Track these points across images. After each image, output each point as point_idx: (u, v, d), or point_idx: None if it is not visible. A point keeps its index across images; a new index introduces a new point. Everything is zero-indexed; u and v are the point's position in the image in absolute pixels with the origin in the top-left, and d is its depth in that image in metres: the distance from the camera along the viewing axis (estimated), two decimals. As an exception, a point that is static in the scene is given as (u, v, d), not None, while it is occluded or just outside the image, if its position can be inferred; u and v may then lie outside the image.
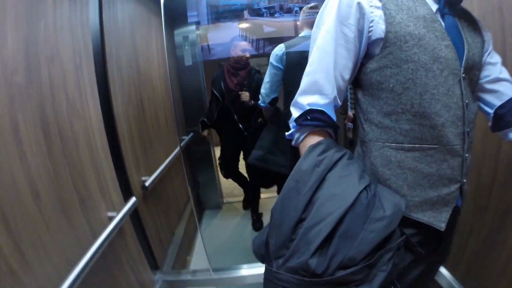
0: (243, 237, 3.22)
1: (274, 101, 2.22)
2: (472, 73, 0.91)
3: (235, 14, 2.87)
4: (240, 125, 2.97)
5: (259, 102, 2.26)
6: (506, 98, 1.00)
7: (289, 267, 0.77)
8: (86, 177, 1.26)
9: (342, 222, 0.75)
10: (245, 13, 2.86)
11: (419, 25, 0.82)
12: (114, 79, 1.69)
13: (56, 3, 1.20)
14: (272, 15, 2.77)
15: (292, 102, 0.94)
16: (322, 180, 0.80)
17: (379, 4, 0.84)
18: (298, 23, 2.36)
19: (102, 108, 1.50)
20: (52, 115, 1.09)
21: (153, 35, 2.63)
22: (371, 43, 0.87)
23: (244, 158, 3.25)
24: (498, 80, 1.01)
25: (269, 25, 2.63)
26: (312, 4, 2.27)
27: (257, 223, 3.36)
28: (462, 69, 0.86)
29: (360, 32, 0.86)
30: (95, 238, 1.21)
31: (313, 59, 0.90)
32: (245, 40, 2.84)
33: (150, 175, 1.98)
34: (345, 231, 0.75)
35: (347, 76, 0.89)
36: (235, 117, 2.94)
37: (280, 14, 2.78)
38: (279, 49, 2.13)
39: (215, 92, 2.94)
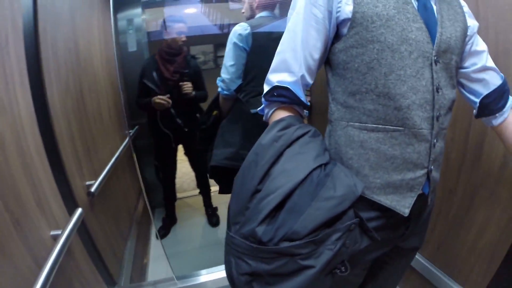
0: (202, 235, 2.99)
1: (239, 88, 1.90)
2: (447, 56, 0.89)
3: None
4: (178, 120, 2.67)
5: (220, 90, 1.90)
6: (492, 88, 1.02)
7: (242, 233, 0.81)
8: (18, 190, 0.96)
9: (290, 196, 0.78)
10: None
11: (388, 6, 0.82)
12: (49, 64, 1.36)
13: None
14: None
15: (265, 80, 0.95)
16: (279, 155, 0.83)
17: None
18: (253, 3, 2.09)
19: (34, 101, 1.19)
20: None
21: (94, 15, 2.27)
22: (340, 24, 0.87)
23: (187, 154, 3.00)
24: (484, 69, 1.02)
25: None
26: None
27: (213, 218, 3.15)
28: (434, 52, 0.85)
29: (329, 12, 0.86)
30: (40, 267, 0.93)
31: (284, 39, 0.92)
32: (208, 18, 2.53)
33: (95, 178, 1.67)
34: (292, 206, 0.78)
35: (316, 55, 0.90)
36: (172, 111, 2.61)
37: None
38: (243, 28, 1.82)
39: (148, 83, 2.58)
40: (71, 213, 1.27)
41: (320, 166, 0.82)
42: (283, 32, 1.61)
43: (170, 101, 2.52)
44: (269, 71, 0.94)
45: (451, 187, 1.61)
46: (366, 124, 0.87)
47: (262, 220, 0.78)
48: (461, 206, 1.56)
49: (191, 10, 5.36)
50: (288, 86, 0.89)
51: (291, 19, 0.91)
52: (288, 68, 0.90)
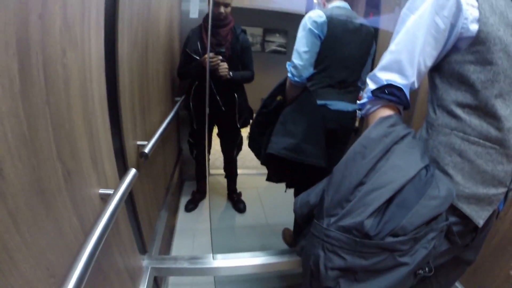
0: (231, 221, 2.85)
1: (311, 76, 1.73)
2: None
3: None
4: (218, 97, 2.44)
5: (291, 76, 1.71)
6: None
7: (341, 226, 0.81)
8: (74, 138, 0.81)
9: (400, 192, 0.79)
10: None
11: (507, 31, 0.82)
12: (124, 7, 1.20)
13: None
14: None
15: (369, 75, 0.97)
16: (387, 151, 0.84)
17: (476, 4, 0.83)
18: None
19: (105, 44, 1.03)
20: (36, 33, 0.62)
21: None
22: (460, 39, 0.87)
23: (220, 136, 2.79)
24: None
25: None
26: None
27: (239, 204, 2.98)
28: None
29: (452, 25, 0.87)
30: (86, 233, 0.80)
31: (400, 40, 0.91)
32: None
33: (146, 139, 1.52)
34: (402, 201, 0.79)
35: (429, 63, 0.91)
36: (212, 86, 2.38)
37: None
38: (318, 15, 1.66)
39: (190, 53, 2.37)
40: (121, 172, 1.12)
41: (425, 166, 0.85)
42: (359, 24, 1.59)
43: (226, 65, 2.32)
44: (377, 68, 0.95)
45: (501, 214, 1.59)
46: (469, 136, 0.89)
47: (371, 213, 0.78)
48: (506, 236, 1.56)
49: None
50: (402, 87, 0.90)
51: (411, 21, 0.90)
52: (401, 70, 0.90)
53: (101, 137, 0.99)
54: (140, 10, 1.47)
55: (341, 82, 1.77)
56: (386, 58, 0.93)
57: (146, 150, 1.38)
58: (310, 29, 1.66)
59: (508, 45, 0.82)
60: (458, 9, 0.84)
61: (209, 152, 2.81)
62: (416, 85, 0.93)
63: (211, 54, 2.25)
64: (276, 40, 6.12)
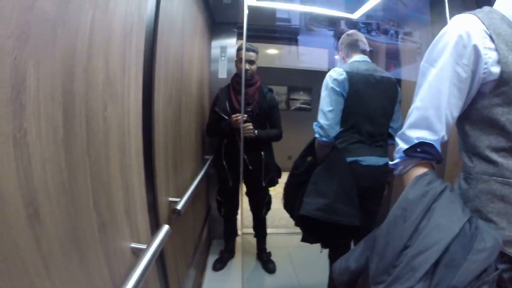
0: (260, 282, 2.70)
1: (338, 135, 1.72)
2: None
3: (331, 22, 2.50)
4: (245, 156, 2.41)
5: (318, 136, 1.72)
6: None
7: None
8: (111, 191, 0.81)
9: (447, 251, 0.77)
10: (342, 23, 2.49)
11: None
12: (160, 68, 1.27)
13: None
14: (369, 32, 2.39)
15: (398, 134, 0.97)
16: (427, 210, 0.83)
17: (493, 46, 0.83)
18: (342, 51, 1.94)
19: (143, 100, 1.07)
20: (81, 85, 0.65)
21: (197, 35, 2.24)
22: (484, 83, 0.87)
23: (249, 194, 2.74)
24: None
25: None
26: (352, 31, 1.94)
27: (269, 264, 2.83)
28: None
29: (473, 72, 0.86)
30: (116, 287, 0.77)
31: (425, 95, 0.91)
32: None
33: (177, 196, 1.51)
34: (449, 260, 0.76)
35: (456, 114, 0.91)
36: (239, 145, 2.35)
37: (377, 33, 2.40)
38: (338, 73, 1.70)
39: (219, 112, 2.40)
40: (153, 227, 1.10)
41: (468, 219, 0.83)
42: (380, 76, 1.59)
43: (251, 126, 2.34)
44: (405, 126, 0.95)
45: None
46: (509, 180, 0.86)
47: (420, 278, 0.76)
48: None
49: (271, 51, 5.43)
50: (433, 143, 0.90)
51: (432, 75, 0.90)
52: (430, 126, 0.90)
53: (136, 191, 0.99)
54: (174, 70, 1.55)
55: (369, 136, 1.75)
56: (413, 115, 0.93)
57: (179, 206, 1.37)
58: (332, 88, 1.68)
59: None
60: (477, 55, 0.84)
61: (237, 212, 2.77)
62: (446, 138, 0.92)
63: (236, 114, 2.31)
64: (301, 98, 6.28)
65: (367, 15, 2.42)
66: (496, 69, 0.83)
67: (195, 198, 2.21)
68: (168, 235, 1.07)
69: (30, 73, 0.49)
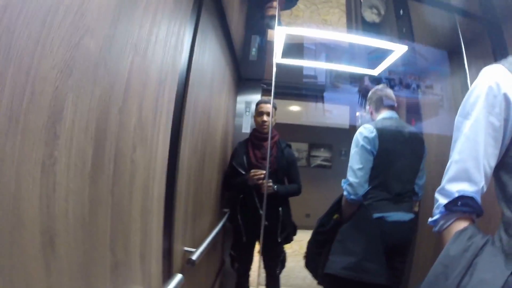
0: None
1: (367, 194, 1.71)
2: None
3: (355, 78, 2.58)
4: (261, 212, 2.31)
5: (347, 194, 1.71)
6: None
7: None
8: (129, 232, 0.80)
9: None
10: (366, 79, 2.57)
11: None
12: (189, 118, 1.32)
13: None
14: (392, 87, 2.44)
15: (438, 189, 0.95)
16: (469, 266, 0.81)
17: None
18: (371, 105, 1.98)
19: (170, 147, 1.10)
20: (114, 125, 0.68)
21: (224, 89, 2.33)
22: None
23: (263, 252, 2.59)
24: None
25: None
26: (382, 85, 2.01)
27: None
28: None
29: (506, 120, 0.87)
30: None
31: (462, 147, 0.92)
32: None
33: (193, 246, 1.48)
34: None
35: (493, 163, 0.90)
36: (256, 200, 2.33)
37: (399, 88, 2.45)
38: (369, 130, 1.72)
39: (236, 166, 2.39)
40: (164, 275, 1.07)
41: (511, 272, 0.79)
42: (408, 132, 1.69)
43: (271, 183, 2.32)
44: (445, 180, 0.94)
45: None
46: None
47: None
48: None
49: (294, 108, 5.56)
50: (473, 196, 0.88)
51: (467, 127, 0.91)
52: (470, 177, 0.89)
53: (153, 236, 0.98)
54: (202, 120, 1.60)
55: (397, 194, 1.73)
56: (452, 169, 0.92)
57: (194, 257, 1.34)
58: (362, 146, 1.69)
59: None
60: (508, 102, 0.86)
61: (250, 267, 2.66)
62: (485, 189, 0.91)
63: (254, 170, 2.30)
64: (321, 155, 6.26)
65: (389, 70, 2.48)
66: None
67: (210, 251, 2.15)
68: (180, 285, 1.03)
69: (68, 105, 0.52)
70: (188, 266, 1.35)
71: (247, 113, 3.20)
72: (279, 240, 2.48)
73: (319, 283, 1.81)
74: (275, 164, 2.41)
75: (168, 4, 1.01)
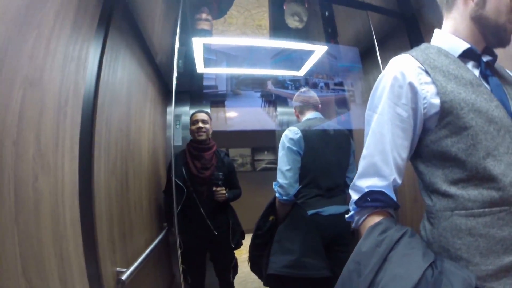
0: None
1: (299, 193, 1.86)
2: None
3: (258, 83, 2.72)
4: (209, 222, 2.47)
5: (279, 196, 1.85)
6: None
7: None
8: (42, 259, 0.86)
9: None
10: (269, 83, 2.72)
11: (467, 91, 0.86)
12: (101, 138, 1.38)
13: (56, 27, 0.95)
14: (297, 88, 2.63)
15: (351, 185, 0.98)
16: (383, 261, 0.80)
17: (429, 79, 0.88)
18: (296, 109, 2.17)
19: (79, 170, 1.16)
20: (10, 158, 0.75)
21: (147, 105, 2.40)
22: (427, 118, 0.90)
23: (213, 260, 2.72)
24: None
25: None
26: (304, 89, 2.20)
27: None
28: None
29: (414, 110, 0.90)
30: None
31: (370, 142, 0.94)
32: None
33: (127, 266, 1.53)
34: None
35: (404, 155, 0.93)
36: (202, 210, 2.45)
37: (307, 87, 2.66)
38: (293, 132, 1.89)
39: (174, 179, 2.41)
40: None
41: (430, 264, 0.80)
42: (333, 130, 1.79)
43: (224, 190, 2.45)
44: (356, 177, 0.96)
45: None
46: (472, 210, 0.85)
47: None
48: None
49: (231, 114, 5.70)
50: (383, 190, 0.91)
51: (374, 121, 0.94)
52: (378, 172, 0.92)
53: (72, 260, 1.04)
54: (119, 139, 1.66)
55: (328, 190, 1.90)
56: (361, 165, 0.95)
57: (124, 277, 1.40)
58: (288, 147, 1.85)
59: (474, 103, 0.85)
60: (414, 92, 0.89)
61: (204, 280, 2.73)
62: (398, 181, 0.93)
63: (219, 188, 2.43)
64: (266, 158, 6.45)
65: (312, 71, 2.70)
66: (436, 101, 0.87)
67: (155, 268, 2.20)
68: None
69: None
70: (118, 286, 1.40)
71: (177, 126, 3.27)
72: (233, 246, 2.59)
73: (265, 284, 1.90)
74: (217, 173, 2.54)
75: (64, 30, 1.08)
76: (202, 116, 2.54)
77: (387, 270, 0.79)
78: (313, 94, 2.14)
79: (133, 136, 1.97)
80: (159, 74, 2.79)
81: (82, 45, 1.21)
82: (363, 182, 0.94)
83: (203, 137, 2.51)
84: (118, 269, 1.47)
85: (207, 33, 2.74)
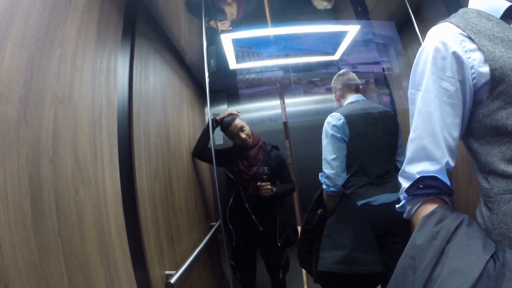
0: None
1: (347, 182, 1.79)
2: None
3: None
4: (254, 217, 2.48)
5: (326, 187, 1.79)
6: None
7: None
8: (89, 269, 0.92)
9: None
10: None
11: None
12: (140, 146, 1.44)
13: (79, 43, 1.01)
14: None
15: (400, 172, 0.92)
16: (441, 254, 0.75)
17: (474, 46, 0.81)
18: (336, 93, 2.09)
19: (121, 180, 1.22)
20: (48, 175, 0.80)
21: (184, 106, 2.47)
22: (477, 90, 0.83)
23: (263, 256, 2.71)
24: None
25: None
26: (343, 70, 2.10)
27: None
28: None
29: (461, 82, 0.83)
30: None
31: (417, 124, 0.88)
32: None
33: (176, 269, 1.60)
34: None
35: (456, 134, 0.86)
36: (246, 205, 2.46)
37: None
38: (336, 118, 1.81)
39: (227, 172, 2.51)
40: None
41: (492, 256, 0.73)
42: (378, 112, 1.70)
43: (269, 185, 2.43)
44: (404, 162, 0.90)
45: None
46: None
47: None
48: None
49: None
50: (436, 175, 0.85)
51: (419, 100, 0.88)
52: (429, 155, 0.85)
53: (120, 268, 1.10)
54: (159, 145, 1.72)
55: (378, 177, 1.83)
56: (409, 149, 0.90)
57: (173, 280, 1.45)
58: (332, 135, 1.78)
59: None
60: (459, 62, 0.82)
61: (255, 275, 2.78)
62: (451, 164, 0.87)
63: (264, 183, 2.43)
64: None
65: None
66: (485, 69, 0.79)
67: (204, 267, 2.27)
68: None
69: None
70: (168, 290, 1.47)
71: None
72: (279, 245, 2.60)
73: (315, 281, 1.86)
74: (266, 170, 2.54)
75: (89, 45, 1.13)
76: (235, 126, 2.47)
77: (444, 264, 0.74)
78: (353, 75, 2.05)
79: (173, 139, 2.04)
80: (192, 75, 2.85)
81: (109, 57, 1.27)
82: (413, 168, 0.88)
83: (249, 142, 2.52)
84: (167, 272, 1.54)
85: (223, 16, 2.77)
